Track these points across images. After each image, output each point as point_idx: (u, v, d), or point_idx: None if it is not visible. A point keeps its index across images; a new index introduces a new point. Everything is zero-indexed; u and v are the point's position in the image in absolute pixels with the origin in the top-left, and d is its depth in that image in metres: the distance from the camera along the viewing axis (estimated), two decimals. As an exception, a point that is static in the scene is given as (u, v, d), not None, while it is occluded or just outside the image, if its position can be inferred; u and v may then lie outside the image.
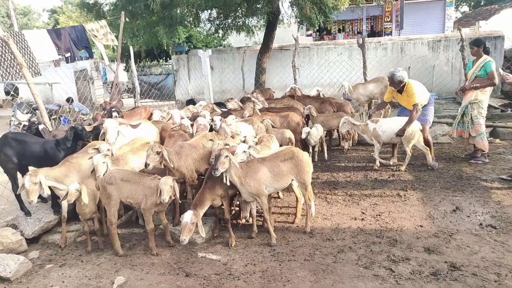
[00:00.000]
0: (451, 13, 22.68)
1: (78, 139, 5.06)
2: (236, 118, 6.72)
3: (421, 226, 4.61)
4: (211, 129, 5.33)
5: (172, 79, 16.55)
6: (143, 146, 4.99)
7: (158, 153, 4.19)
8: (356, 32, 23.39)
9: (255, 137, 5.38)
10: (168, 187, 3.87)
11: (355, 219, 4.91)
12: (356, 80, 11.61)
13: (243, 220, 4.80)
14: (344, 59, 14.43)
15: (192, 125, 5.76)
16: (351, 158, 7.71)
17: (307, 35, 22.93)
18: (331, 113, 8.13)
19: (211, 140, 4.68)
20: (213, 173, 3.96)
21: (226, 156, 3.97)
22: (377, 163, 6.78)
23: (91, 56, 10.55)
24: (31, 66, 7.80)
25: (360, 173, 6.70)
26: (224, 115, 7.03)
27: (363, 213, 5.08)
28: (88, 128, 5.31)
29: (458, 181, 5.93)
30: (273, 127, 6.69)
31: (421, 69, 13.25)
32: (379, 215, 4.97)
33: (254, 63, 13.57)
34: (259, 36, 15.63)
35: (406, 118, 6.35)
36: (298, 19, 13.04)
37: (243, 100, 7.90)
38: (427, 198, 5.39)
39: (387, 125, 6.47)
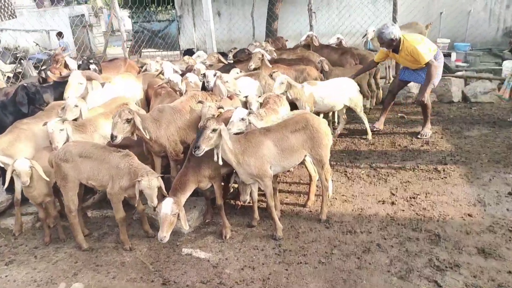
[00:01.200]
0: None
1: (29, 103, 3.98)
2: (240, 72, 5.61)
3: (469, 215, 3.59)
4: (204, 88, 4.22)
5: (176, 27, 15.13)
6: (120, 107, 3.95)
7: (128, 120, 3.17)
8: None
9: (260, 96, 4.27)
10: (154, 191, 2.93)
11: (383, 203, 3.91)
12: (377, 27, 10.13)
13: (243, 202, 3.85)
14: (367, 1, 12.74)
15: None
16: (374, 120, 6.56)
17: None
18: (351, 66, 6.88)
19: (200, 102, 3.62)
20: (193, 152, 2.96)
21: (214, 130, 2.94)
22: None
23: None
24: (2, 7, 6.66)
25: (386, 139, 5.61)
26: (227, 69, 5.91)
27: (393, 194, 4.08)
28: (52, 80, 4.25)
29: (509, 152, 4.81)
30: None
31: (455, 15, 11.57)
32: (414, 198, 3.96)
33: (266, 8, 12.06)
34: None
35: (348, 81, 5.39)
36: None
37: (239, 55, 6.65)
38: (472, 175, 4.33)
39: (326, 90, 5.15)
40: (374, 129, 5.84)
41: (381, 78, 7.44)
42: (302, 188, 4.38)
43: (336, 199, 4.04)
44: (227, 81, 3.93)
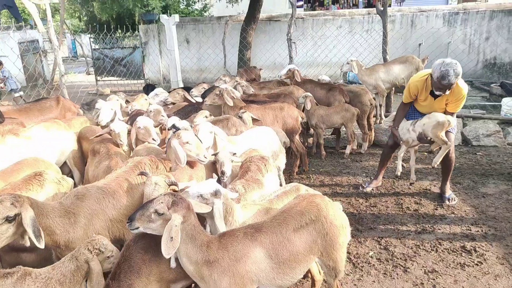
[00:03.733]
0: (456, -15, 20.48)
1: None
2: (210, 115, 4.49)
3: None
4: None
5: (140, 54, 13.97)
6: (28, 180, 2.65)
7: (9, 219, 1.91)
8: (351, 4, 21.01)
9: (235, 154, 3.09)
10: None
11: (410, 312, 2.79)
12: (357, 59, 9.41)
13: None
14: (344, 33, 12.13)
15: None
16: (369, 169, 5.56)
17: (298, 7, 20.41)
18: (340, 105, 5.92)
19: (142, 173, 2.41)
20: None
21: (159, 214, 1.85)
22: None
23: (18, 18, 7.90)
24: None
25: (390, 198, 4.57)
26: (189, 110, 4.79)
27: (420, 294, 2.97)
28: None
29: (544, 219, 3.86)
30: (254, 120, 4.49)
31: (434, 47, 11.09)
32: (450, 301, 2.86)
33: (238, 36, 11.16)
34: (243, 4, 13.13)
35: (270, 132, 4.14)
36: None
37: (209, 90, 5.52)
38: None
39: (244, 147, 3.70)
40: (366, 189, 4.74)
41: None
42: None
43: (342, 304, 2.88)
44: (187, 142, 2.73)
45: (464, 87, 3.92)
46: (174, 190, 2.32)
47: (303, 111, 5.69)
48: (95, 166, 3.10)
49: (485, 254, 3.38)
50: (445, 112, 4.10)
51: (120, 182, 2.48)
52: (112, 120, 3.95)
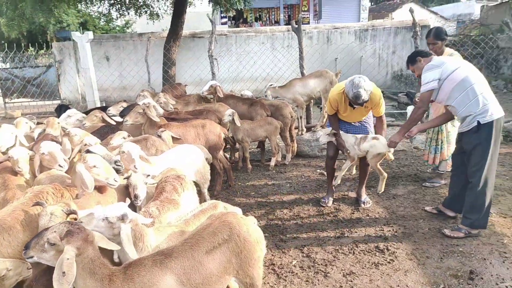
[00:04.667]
0: (366, 4, 22.42)
1: None
2: (129, 136, 4.34)
3: (439, 322, 2.76)
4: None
5: (55, 73, 13.09)
6: None
7: None
8: (273, 22, 21.89)
9: (148, 176, 3.00)
10: None
11: (330, 316, 2.89)
12: (278, 73, 9.80)
13: None
14: (266, 49, 12.57)
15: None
16: (293, 179, 5.74)
17: (222, 23, 20.75)
18: (262, 119, 6.09)
19: (37, 204, 2.23)
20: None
21: (51, 244, 1.74)
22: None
23: None
24: None
25: (312, 206, 4.76)
26: (105, 131, 4.58)
27: (340, 297, 3.10)
28: None
29: (446, 215, 4.28)
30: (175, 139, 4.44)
31: (348, 61, 11.96)
32: (367, 301, 3.03)
33: (161, 53, 11.00)
34: (167, 21, 13.01)
35: (194, 150, 4.13)
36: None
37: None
38: (420, 253, 3.60)
39: (165, 167, 3.58)
40: (328, 204, 4.73)
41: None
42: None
43: (267, 317, 2.90)
44: (94, 165, 2.59)
45: (377, 92, 4.22)
46: (74, 219, 2.17)
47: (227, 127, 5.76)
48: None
49: (396, 252, 3.65)
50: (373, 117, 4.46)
51: (16, 216, 2.26)
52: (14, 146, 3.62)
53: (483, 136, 3.56)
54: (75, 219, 2.15)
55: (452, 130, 4.80)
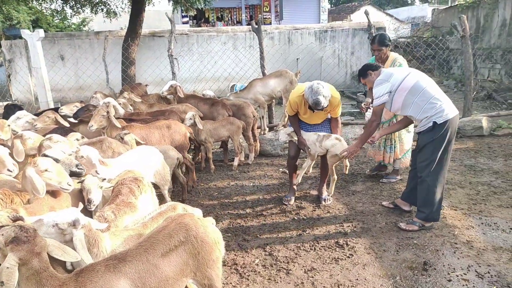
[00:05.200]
0: (326, 5, 22.89)
1: None
2: (82, 138, 4.18)
3: (396, 313, 2.86)
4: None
5: (4, 73, 12.37)
6: None
7: None
8: (235, 22, 21.89)
9: (104, 180, 2.90)
10: None
11: (292, 312, 2.93)
12: (240, 73, 9.82)
13: None
14: (228, 49, 12.54)
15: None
16: (256, 178, 5.77)
17: (183, 23, 20.47)
18: (224, 119, 6.06)
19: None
20: None
21: None
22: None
23: None
24: None
25: (275, 205, 4.80)
26: (58, 133, 4.36)
27: (301, 294, 3.14)
28: None
29: (399, 210, 4.46)
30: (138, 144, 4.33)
31: (309, 61, 12.18)
32: (327, 296, 3.09)
33: (120, 52, 10.69)
34: (125, 19, 12.65)
35: (152, 151, 4.01)
36: (172, -1, 10.62)
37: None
38: (378, 247, 3.73)
39: (122, 169, 3.42)
40: (290, 202, 4.76)
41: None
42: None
43: (230, 317, 2.89)
44: (46, 169, 2.47)
45: (336, 95, 4.35)
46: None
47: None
48: None
49: (355, 247, 3.75)
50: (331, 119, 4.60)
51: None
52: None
53: (438, 134, 3.74)
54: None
55: (403, 130, 4.98)
